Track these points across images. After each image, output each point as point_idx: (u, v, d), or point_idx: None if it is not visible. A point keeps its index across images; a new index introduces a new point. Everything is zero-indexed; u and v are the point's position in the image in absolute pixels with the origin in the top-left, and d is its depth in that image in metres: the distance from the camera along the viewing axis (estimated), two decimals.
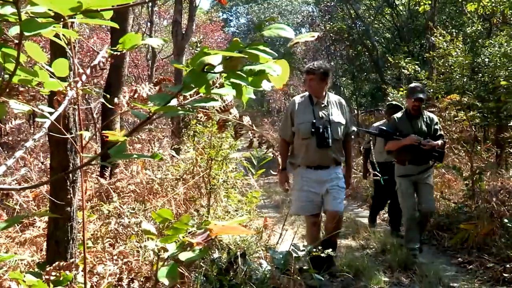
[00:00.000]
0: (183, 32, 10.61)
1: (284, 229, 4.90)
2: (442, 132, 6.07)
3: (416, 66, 11.03)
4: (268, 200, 10.02)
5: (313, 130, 4.75)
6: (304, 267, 4.41)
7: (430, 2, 11.57)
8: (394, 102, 7.73)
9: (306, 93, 5.05)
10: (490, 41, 9.84)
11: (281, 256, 3.97)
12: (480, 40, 11.58)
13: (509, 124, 8.17)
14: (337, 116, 4.92)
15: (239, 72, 1.06)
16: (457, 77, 9.92)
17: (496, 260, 5.39)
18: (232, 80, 1.06)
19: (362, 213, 9.36)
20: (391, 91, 12.17)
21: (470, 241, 6.03)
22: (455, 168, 7.53)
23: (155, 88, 2.68)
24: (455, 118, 8.57)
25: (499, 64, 8.74)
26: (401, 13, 19.19)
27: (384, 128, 6.08)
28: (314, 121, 4.78)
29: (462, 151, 9.23)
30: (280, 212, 8.79)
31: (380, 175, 7.36)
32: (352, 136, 5.30)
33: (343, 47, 19.00)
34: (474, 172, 7.17)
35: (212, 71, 1.05)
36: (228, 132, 5.44)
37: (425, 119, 5.93)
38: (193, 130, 6.58)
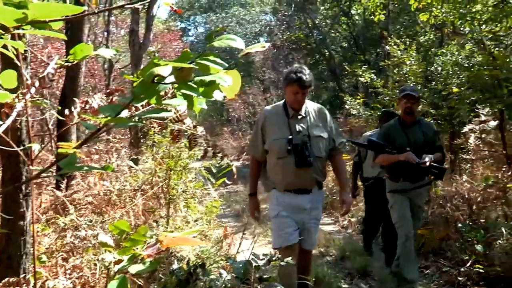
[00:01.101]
0: (141, 41, 10.51)
1: (244, 238, 4.90)
2: (441, 143, 5.35)
3: (372, 75, 11.24)
4: (228, 210, 10.01)
5: (289, 148, 3.96)
6: (264, 276, 4.41)
7: (384, 12, 11.81)
8: (387, 109, 7.02)
9: (280, 103, 4.26)
10: (442, 50, 10.10)
11: (240, 265, 3.95)
12: (432, 49, 11.87)
13: (461, 131, 8.39)
14: (317, 128, 4.13)
15: (190, 83, 1.06)
16: (411, 85, 10.15)
17: (451, 264, 5.53)
18: (183, 91, 1.06)
19: (322, 220, 9.40)
20: (348, 99, 12.36)
21: (427, 246, 6.16)
22: None
23: (107, 99, 2.65)
24: None
25: (451, 72, 8.97)
26: (357, 22, 19.54)
27: (374, 139, 5.28)
28: (291, 136, 3.99)
29: None
30: (240, 221, 8.78)
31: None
32: (342, 149, 4.38)
33: (301, 56, 19.18)
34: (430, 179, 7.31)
35: (163, 82, 1.05)
36: (186, 142, 5.41)
37: (422, 128, 5.09)
38: (151, 140, 6.51)
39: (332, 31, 20.62)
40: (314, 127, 4.11)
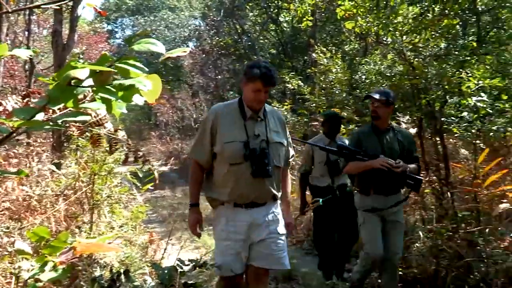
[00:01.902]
0: (64, 42, 10.19)
1: (170, 244, 4.85)
2: (417, 155, 4.86)
3: (300, 81, 11.44)
4: (154, 215, 9.87)
5: (246, 153, 3.38)
6: (190, 282, 4.39)
7: (311, 18, 12.08)
8: (331, 110, 6.45)
9: (233, 101, 3.64)
10: (366, 59, 10.44)
11: (165, 271, 3.91)
12: (357, 58, 12.25)
13: None
14: (276, 134, 3.59)
15: (108, 87, 1.04)
16: (337, 92, 10.43)
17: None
18: (101, 94, 1.04)
19: None
20: (276, 105, 12.51)
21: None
22: None
23: (23, 101, 2.56)
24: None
25: (374, 81, 9.27)
26: (285, 30, 19.85)
27: (345, 145, 4.73)
28: (248, 140, 3.41)
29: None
30: (167, 226, 8.68)
31: (318, 199, 5.67)
32: (291, 163, 3.88)
33: (230, 61, 19.25)
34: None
35: (80, 85, 1.03)
36: (107, 146, 5.28)
37: (397, 135, 4.63)
38: (75, 144, 6.32)
39: (261, 37, 20.84)
40: (273, 132, 3.56)
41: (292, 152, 3.82)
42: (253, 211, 3.49)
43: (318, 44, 11.54)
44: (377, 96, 4.55)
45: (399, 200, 4.59)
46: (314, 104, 10.21)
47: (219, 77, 18.93)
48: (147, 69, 1.08)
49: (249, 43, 18.90)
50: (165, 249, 4.84)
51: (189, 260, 4.21)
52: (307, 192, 6.10)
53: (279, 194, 3.64)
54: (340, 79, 10.10)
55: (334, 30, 17.24)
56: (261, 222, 3.50)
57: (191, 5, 32.10)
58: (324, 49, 10.70)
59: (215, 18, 19.60)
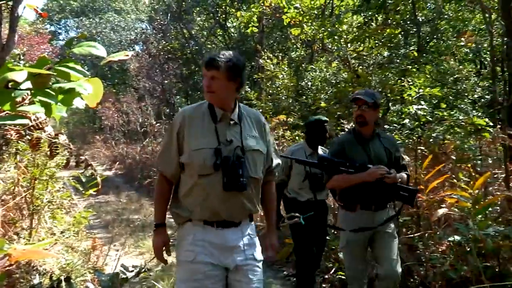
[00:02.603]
0: (3, 43, 9.86)
1: (113, 249, 4.76)
2: (405, 162, 4.29)
3: (247, 87, 11.51)
4: (98, 220, 9.68)
5: (217, 161, 2.86)
6: None
7: (257, 24, 12.18)
8: (319, 116, 5.33)
9: (204, 102, 3.09)
10: (312, 66, 10.62)
11: (108, 277, 3.85)
12: (303, 65, 12.43)
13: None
14: (253, 140, 3.05)
15: (47, 90, 1.03)
16: (284, 98, 10.55)
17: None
18: (40, 97, 1.02)
19: None
20: None
21: (292, 254, 6.37)
22: None
23: None
24: (283, 138, 9.04)
25: (320, 87, 9.46)
26: (232, 35, 19.92)
27: (328, 156, 4.07)
28: (219, 146, 2.90)
29: None
30: (110, 232, 8.51)
31: (298, 215, 4.74)
32: (276, 173, 3.32)
33: (177, 65, 19.14)
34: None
35: (18, 88, 1.01)
36: (48, 151, 5.14)
37: (382, 143, 4.03)
38: (14, 147, 6.12)
39: (208, 42, 20.83)
40: (249, 137, 3.04)
41: (276, 160, 3.24)
42: (226, 232, 2.94)
43: (265, 50, 11.65)
44: (366, 98, 3.91)
45: (389, 217, 3.96)
46: (260, 110, 10.28)
47: (166, 81, 18.77)
48: (88, 73, 1.07)
49: (196, 47, 18.86)
50: (107, 255, 4.74)
51: (133, 266, 4.16)
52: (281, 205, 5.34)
53: (257, 211, 3.07)
54: (286, 85, 10.22)
55: (281, 36, 17.42)
56: (235, 245, 2.94)
57: (137, 8, 31.74)
58: (271, 55, 10.82)
59: (162, 22, 19.44)
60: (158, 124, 19.95)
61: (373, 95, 3.98)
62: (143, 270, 4.09)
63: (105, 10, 33.18)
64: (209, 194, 2.88)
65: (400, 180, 3.90)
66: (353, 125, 4.24)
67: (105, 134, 25.36)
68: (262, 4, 9.95)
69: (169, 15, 19.20)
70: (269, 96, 11.02)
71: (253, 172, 2.97)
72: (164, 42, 18.67)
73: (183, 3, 18.10)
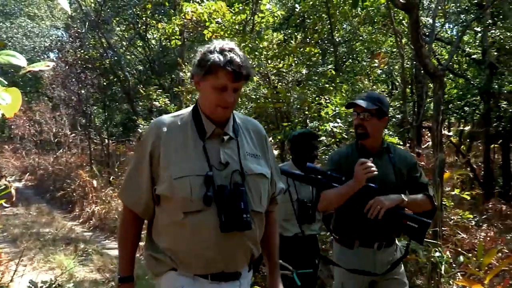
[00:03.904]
0: None
1: (21, 265, 4.54)
2: (425, 179, 3.32)
3: (167, 99, 11.41)
4: (4, 234, 9.20)
5: (208, 193, 2.15)
6: None
7: (180, 37, 12.15)
8: (300, 130, 4.74)
9: (184, 112, 2.37)
10: None
11: None
12: None
13: None
14: (255, 160, 2.32)
15: None
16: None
17: None
18: None
19: (109, 244, 9.18)
20: (142, 122, 12.33)
21: None
22: None
23: None
24: None
25: (240, 102, 9.52)
26: (153, 47, 19.69)
27: (316, 167, 3.40)
28: (211, 172, 2.18)
29: None
30: (18, 246, 8.11)
31: (290, 268, 3.79)
32: (279, 198, 2.56)
33: (95, 75, 18.63)
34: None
35: None
36: None
37: (392, 160, 3.22)
38: None
39: (128, 53, 20.47)
40: (250, 157, 2.30)
41: (280, 184, 2.51)
42: (223, 286, 2.24)
43: (186, 63, 11.62)
44: (364, 104, 3.16)
45: (394, 261, 3.20)
46: None
47: (83, 91, 18.21)
48: (5, 82, 1.02)
49: (115, 57, 18.45)
50: (15, 271, 4.51)
51: (42, 282, 3.99)
52: None
53: (259, 254, 2.38)
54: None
55: None
56: None
57: (52, 14, 30.64)
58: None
59: (79, 30, 18.89)
60: (73, 135, 19.31)
61: (377, 100, 3.21)
62: (54, 286, 3.93)
63: (17, 15, 31.74)
64: (199, 237, 2.16)
65: (406, 202, 3.08)
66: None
67: (15, 143, 24.21)
68: (183, 17, 9.93)
69: (86, 23, 18.70)
70: None
71: (256, 204, 2.25)
72: (81, 51, 18.14)
73: (102, 12, 17.69)
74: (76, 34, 18.65)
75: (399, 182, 3.18)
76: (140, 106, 19.39)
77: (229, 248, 2.19)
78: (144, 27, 18.55)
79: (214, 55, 2.15)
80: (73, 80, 17.88)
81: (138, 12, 17.62)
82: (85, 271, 6.55)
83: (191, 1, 9.96)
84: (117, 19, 18.58)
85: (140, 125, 12.25)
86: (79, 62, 17.83)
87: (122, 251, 2.37)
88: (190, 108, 2.36)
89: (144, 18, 17.79)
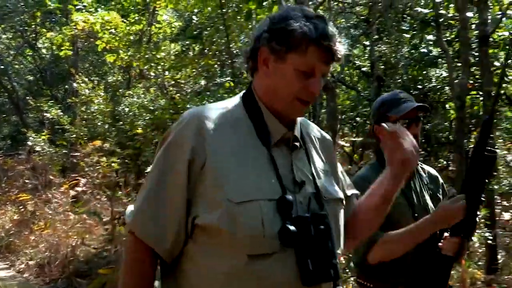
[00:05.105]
0: None
1: None
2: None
3: (59, 111, 10.99)
4: None
5: (291, 227, 1.35)
6: None
7: (72, 47, 11.74)
8: None
9: (233, 104, 1.56)
10: (129, 91, 10.49)
11: None
12: (120, 90, 12.22)
13: (145, 171, 8.77)
14: (329, 180, 1.62)
15: None
16: (100, 123, 10.24)
17: None
18: None
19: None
20: (32, 134, 11.74)
21: (108, 285, 6.18)
22: (96, 214, 7.70)
23: None
24: (97, 164, 8.75)
25: (137, 113, 9.35)
26: (44, 56, 18.84)
27: None
28: (290, 197, 1.41)
29: (104, 196, 9.46)
30: None
31: None
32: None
33: None
34: (114, 217, 7.43)
35: None
36: None
37: (422, 179, 2.41)
38: None
39: (16, 62, 19.43)
40: (323, 174, 1.61)
41: (354, 203, 1.76)
42: None
43: (80, 73, 11.25)
44: (422, 107, 2.29)
45: None
46: (74, 135, 9.86)
47: None
48: None
49: (2, 66, 17.45)
50: None
51: None
52: None
53: None
54: (102, 110, 9.96)
55: (97, 60, 16.93)
56: None
57: None
58: (86, 79, 10.48)
59: None
60: None
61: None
62: None
63: None
64: None
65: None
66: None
67: None
68: (74, 27, 9.61)
69: None
70: (84, 121, 10.63)
71: (338, 244, 1.52)
72: None
73: None
74: None
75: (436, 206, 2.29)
76: (31, 118, 18.44)
77: None
78: (33, 35, 17.72)
79: (300, 23, 1.43)
80: None
81: (26, 19, 16.79)
82: None
83: (83, 11, 9.67)
84: (3, 26, 17.60)
85: (31, 138, 11.65)
86: None
87: None
88: (236, 99, 1.58)
89: (33, 26, 17.00)
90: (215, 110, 1.50)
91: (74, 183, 9.16)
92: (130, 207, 1.51)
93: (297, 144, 1.54)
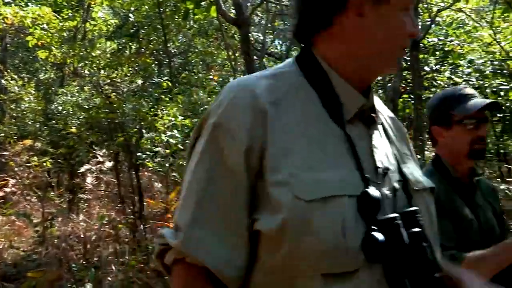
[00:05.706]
0: None
1: None
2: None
3: None
4: None
5: (376, 236, 0.94)
6: None
7: (1, 44, 11.29)
8: None
9: (285, 69, 1.13)
10: (63, 89, 10.20)
11: None
12: (53, 88, 11.87)
13: (78, 171, 8.55)
14: (412, 164, 1.18)
15: None
16: (30, 122, 9.91)
17: None
18: None
19: None
20: None
21: None
22: (26, 215, 7.43)
23: None
24: (28, 164, 8.47)
25: (71, 112, 9.10)
26: None
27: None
28: (377, 193, 0.98)
29: (34, 197, 9.15)
30: None
31: None
32: None
33: None
34: (46, 218, 7.20)
35: None
36: None
37: (483, 192, 2.01)
38: None
39: None
40: (407, 159, 1.19)
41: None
42: None
43: (9, 70, 10.82)
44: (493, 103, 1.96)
45: None
46: (3, 134, 9.48)
47: None
48: None
49: None
50: None
51: None
52: None
53: None
54: (33, 108, 9.64)
55: (28, 57, 16.34)
56: None
57: None
58: (16, 76, 10.11)
59: None
60: None
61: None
62: None
63: None
64: None
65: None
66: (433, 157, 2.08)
67: None
68: (2, 21, 9.23)
69: None
70: (13, 120, 10.25)
71: (436, 250, 1.14)
72: None
73: None
74: None
75: (499, 227, 1.97)
76: None
77: None
78: None
79: None
80: None
81: None
82: None
83: (12, 5, 9.31)
84: None
85: None
86: None
87: None
88: (287, 65, 1.17)
89: None
90: (265, 79, 1.09)
91: (2, 184, 8.80)
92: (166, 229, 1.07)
93: (374, 116, 1.14)
